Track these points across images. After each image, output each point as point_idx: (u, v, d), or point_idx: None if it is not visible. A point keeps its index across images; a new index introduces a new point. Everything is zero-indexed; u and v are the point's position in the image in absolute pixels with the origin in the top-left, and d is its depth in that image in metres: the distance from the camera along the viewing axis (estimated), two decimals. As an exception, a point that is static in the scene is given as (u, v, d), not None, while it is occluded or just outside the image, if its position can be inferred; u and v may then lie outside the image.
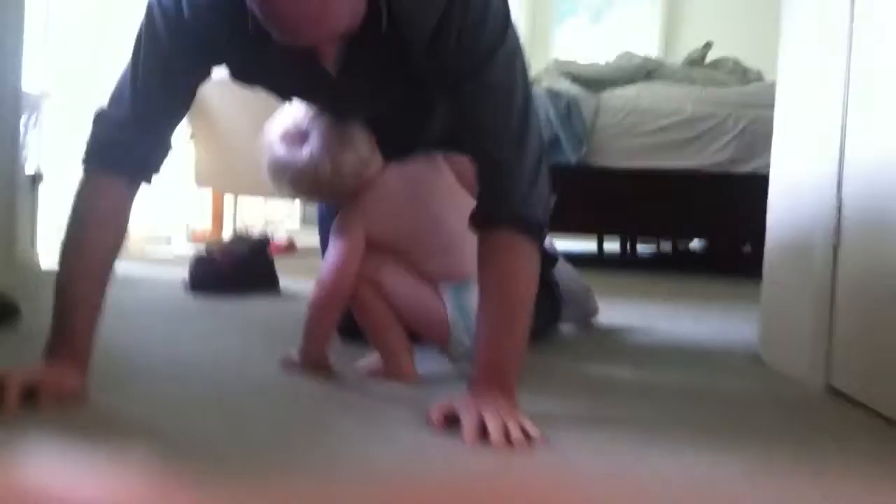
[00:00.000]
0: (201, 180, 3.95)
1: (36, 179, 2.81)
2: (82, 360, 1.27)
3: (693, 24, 6.30)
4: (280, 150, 1.50)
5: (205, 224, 4.31)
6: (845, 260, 1.44)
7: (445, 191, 1.55)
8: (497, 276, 1.25)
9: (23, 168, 2.66)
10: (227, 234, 4.09)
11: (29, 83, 2.65)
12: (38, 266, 2.75)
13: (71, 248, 1.30)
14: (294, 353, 1.53)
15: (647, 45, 5.87)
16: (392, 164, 1.54)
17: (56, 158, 3.04)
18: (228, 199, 4.36)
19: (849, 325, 1.43)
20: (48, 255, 2.86)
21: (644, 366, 1.71)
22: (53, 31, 3.03)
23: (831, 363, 1.47)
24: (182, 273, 2.54)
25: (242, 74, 1.37)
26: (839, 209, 1.45)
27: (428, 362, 1.53)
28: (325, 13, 1.09)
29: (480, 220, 1.27)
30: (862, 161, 1.41)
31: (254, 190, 4.03)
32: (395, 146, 1.54)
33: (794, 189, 1.67)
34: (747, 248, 5.08)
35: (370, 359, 1.53)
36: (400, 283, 1.48)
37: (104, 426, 1.14)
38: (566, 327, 2.00)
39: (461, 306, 1.46)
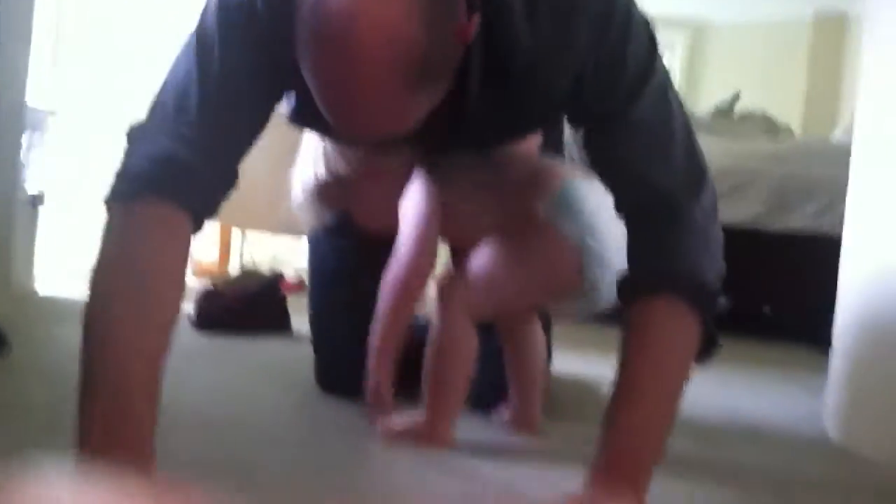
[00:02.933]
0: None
1: (36, 201, 2.66)
2: (150, 462, 0.88)
3: (717, 74, 6.20)
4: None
5: (211, 257, 4.16)
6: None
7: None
8: (650, 348, 0.99)
9: (22, 188, 2.51)
10: (234, 269, 3.95)
11: (35, 99, 2.50)
12: (36, 293, 2.60)
13: (123, 308, 0.89)
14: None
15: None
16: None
17: (60, 180, 2.91)
18: (236, 233, 4.22)
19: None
20: (46, 281, 2.71)
21: (704, 440, 1.54)
22: (64, 47, 2.90)
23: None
24: (187, 308, 2.38)
25: (305, 107, 1.03)
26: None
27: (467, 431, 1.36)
28: (402, 118, 0.89)
29: (636, 284, 1.03)
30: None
31: (264, 224, 3.89)
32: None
33: (877, 249, 1.52)
34: (766, 310, 4.94)
35: (404, 417, 1.35)
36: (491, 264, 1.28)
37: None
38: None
39: (570, 211, 1.26)
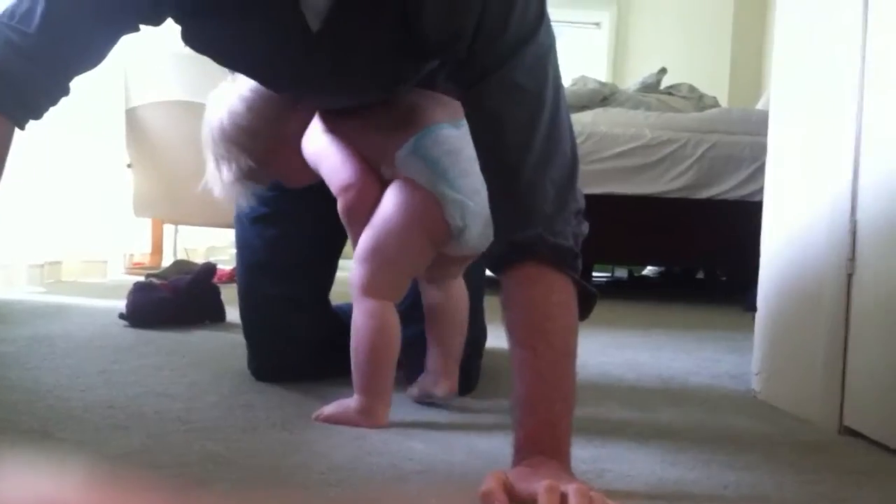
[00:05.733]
0: (140, 210, 3.73)
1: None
2: None
3: (643, 50, 6.29)
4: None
5: (143, 251, 4.09)
6: (861, 289, 1.33)
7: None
8: (529, 316, 1.02)
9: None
10: (168, 262, 3.88)
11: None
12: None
13: None
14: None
15: (596, 73, 5.83)
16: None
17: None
18: (169, 225, 4.15)
19: (866, 360, 1.31)
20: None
21: (633, 403, 1.57)
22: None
23: (845, 401, 1.35)
24: (119, 303, 2.34)
25: (195, 25, 1.11)
26: (854, 234, 1.34)
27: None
28: None
29: (500, 254, 1.06)
30: (879, 181, 1.30)
31: (197, 219, 3.83)
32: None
33: (797, 214, 1.56)
34: (700, 275, 5.06)
35: (338, 403, 1.34)
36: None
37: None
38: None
39: (423, 158, 1.29)
